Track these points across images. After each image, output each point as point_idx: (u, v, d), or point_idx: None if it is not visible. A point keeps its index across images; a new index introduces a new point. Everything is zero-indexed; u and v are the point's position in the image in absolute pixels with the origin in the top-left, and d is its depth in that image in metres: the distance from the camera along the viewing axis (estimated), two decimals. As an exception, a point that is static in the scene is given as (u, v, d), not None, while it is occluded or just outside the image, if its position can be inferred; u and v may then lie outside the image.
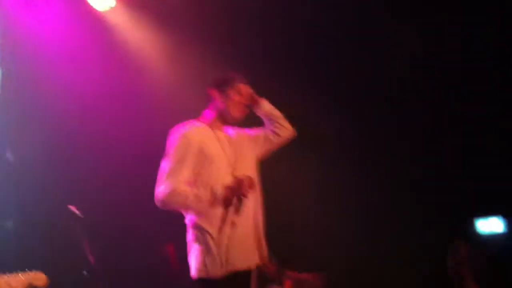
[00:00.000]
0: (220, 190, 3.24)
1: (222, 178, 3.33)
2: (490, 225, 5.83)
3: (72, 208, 4.14)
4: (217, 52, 5.55)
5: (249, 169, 3.49)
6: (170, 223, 3.83)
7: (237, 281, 3.24)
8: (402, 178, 5.89)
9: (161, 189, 3.24)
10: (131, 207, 5.59)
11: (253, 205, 3.40)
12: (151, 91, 5.97)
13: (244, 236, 3.33)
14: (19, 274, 3.21)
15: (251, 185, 3.29)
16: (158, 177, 3.32)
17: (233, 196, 3.25)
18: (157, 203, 3.28)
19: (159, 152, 5.03)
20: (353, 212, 5.95)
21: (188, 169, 3.29)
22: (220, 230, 3.25)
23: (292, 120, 3.67)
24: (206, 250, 3.26)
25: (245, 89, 3.56)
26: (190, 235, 3.38)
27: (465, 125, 5.83)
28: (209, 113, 3.58)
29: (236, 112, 3.52)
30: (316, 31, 5.92)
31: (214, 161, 3.35)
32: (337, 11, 5.78)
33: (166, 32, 5.88)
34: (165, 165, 3.32)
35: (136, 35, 5.95)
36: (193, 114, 3.66)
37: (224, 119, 3.55)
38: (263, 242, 3.44)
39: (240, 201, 3.25)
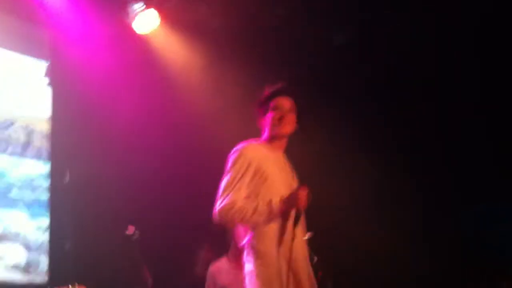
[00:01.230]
0: (277, 203, 3.21)
1: (277, 197, 3.29)
2: None
3: (131, 230, 4.19)
4: (263, 72, 5.54)
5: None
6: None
7: None
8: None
9: (219, 204, 3.22)
10: (187, 227, 5.58)
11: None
12: (197, 112, 6.02)
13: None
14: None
15: (309, 198, 3.23)
16: (218, 193, 3.30)
17: (291, 209, 3.22)
18: (215, 218, 3.24)
19: (208, 172, 5.11)
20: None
21: (246, 185, 3.27)
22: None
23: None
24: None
25: (284, 101, 3.49)
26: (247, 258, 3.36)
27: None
28: (264, 132, 3.54)
29: (281, 128, 3.45)
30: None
31: (268, 179, 3.33)
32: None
33: (209, 53, 5.93)
34: (224, 181, 3.30)
35: (180, 57, 6.01)
36: (240, 135, 3.66)
37: (276, 137, 3.49)
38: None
39: (298, 216, 3.21)
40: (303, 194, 3.22)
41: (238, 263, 4.15)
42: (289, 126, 3.47)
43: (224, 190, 3.25)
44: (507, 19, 5.34)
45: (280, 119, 3.44)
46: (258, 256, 3.25)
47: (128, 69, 5.91)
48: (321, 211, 3.91)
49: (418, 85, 5.85)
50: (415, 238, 5.78)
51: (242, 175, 3.29)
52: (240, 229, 4.19)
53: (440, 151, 5.86)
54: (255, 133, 3.56)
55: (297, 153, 3.53)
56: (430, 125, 5.91)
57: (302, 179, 3.45)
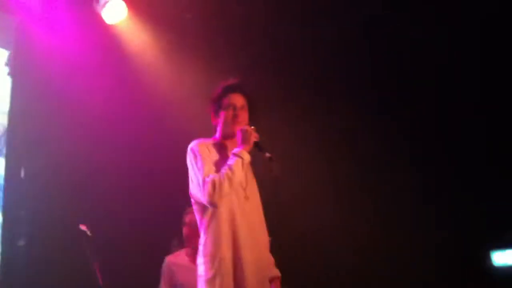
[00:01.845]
0: (239, 150, 3.23)
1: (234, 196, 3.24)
2: (506, 258, 5.63)
3: (83, 227, 4.08)
4: (227, 63, 5.47)
5: (256, 194, 3.41)
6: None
7: None
8: (419, 208, 5.70)
9: (205, 190, 3.13)
10: (143, 224, 5.45)
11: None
12: (160, 102, 5.91)
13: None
14: None
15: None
16: (196, 188, 3.22)
17: (250, 143, 3.26)
18: (211, 203, 3.15)
19: (168, 166, 4.99)
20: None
21: (212, 163, 3.24)
22: None
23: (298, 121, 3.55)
24: None
25: (237, 98, 3.39)
26: None
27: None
28: (216, 136, 3.46)
29: (234, 127, 3.35)
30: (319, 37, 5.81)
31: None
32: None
33: (175, 45, 5.84)
34: (194, 173, 3.23)
35: (147, 48, 5.92)
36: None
37: (229, 136, 3.38)
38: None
39: (258, 144, 3.31)
40: (249, 129, 3.28)
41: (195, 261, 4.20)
42: (242, 124, 3.37)
43: (200, 179, 3.18)
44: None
45: (233, 117, 3.35)
46: (209, 260, 3.17)
47: (94, 61, 5.75)
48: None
49: (416, 85, 5.78)
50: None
51: (204, 159, 3.23)
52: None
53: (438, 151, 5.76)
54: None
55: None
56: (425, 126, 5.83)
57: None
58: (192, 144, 3.32)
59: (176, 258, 4.49)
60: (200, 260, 3.22)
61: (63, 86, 5.75)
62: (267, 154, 3.30)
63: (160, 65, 5.92)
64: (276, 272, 3.41)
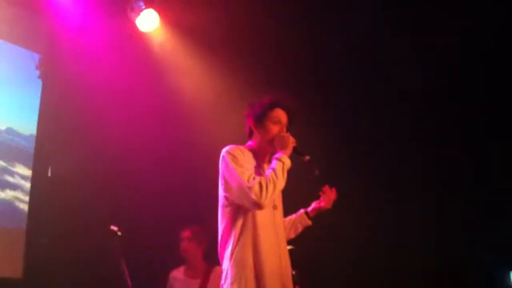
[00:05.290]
0: (279, 155, 3.29)
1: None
2: None
3: (114, 227, 4.16)
4: (259, 82, 5.55)
5: (281, 204, 3.48)
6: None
7: None
8: (435, 225, 5.75)
9: (252, 191, 3.12)
10: (169, 223, 5.51)
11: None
12: (187, 108, 6.02)
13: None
14: None
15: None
16: (237, 191, 3.20)
17: (289, 149, 3.32)
18: (258, 204, 3.14)
19: (201, 172, 5.08)
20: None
21: (251, 169, 3.26)
22: None
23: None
24: None
25: (283, 115, 3.46)
26: None
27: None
28: (252, 144, 3.50)
29: (278, 144, 3.38)
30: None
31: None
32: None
33: (207, 54, 5.92)
34: (233, 176, 3.22)
35: (178, 56, 6.00)
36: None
37: (268, 148, 3.44)
38: None
39: (297, 149, 3.39)
40: (286, 134, 3.37)
41: (191, 274, 4.71)
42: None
43: (243, 183, 3.16)
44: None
45: (279, 132, 3.42)
46: (234, 265, 3.21)
47: (124, 67, 5.87)
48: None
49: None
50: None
51: (243, 161, 3.27)
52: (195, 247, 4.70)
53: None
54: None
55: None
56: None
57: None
58: (228, 148, 3.33)
59: (177, 272, 4.85)
60: (225, 263, 3.26)
61: (93, 91, 5.87)
62: (307, 157, 3.40)
63: (189, 72, 6.01)
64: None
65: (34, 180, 5.94)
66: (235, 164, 3.23)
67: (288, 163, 3.28)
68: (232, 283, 3.17)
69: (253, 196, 3.11)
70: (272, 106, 3.46)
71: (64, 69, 6.06)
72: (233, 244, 3.24)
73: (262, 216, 3.27)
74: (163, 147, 5.99)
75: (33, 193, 5.91)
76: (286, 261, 3.37)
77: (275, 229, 3.34)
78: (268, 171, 3.23)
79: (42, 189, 5.90)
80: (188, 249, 4.72)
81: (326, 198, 3.82)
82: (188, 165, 5.99)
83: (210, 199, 3.58)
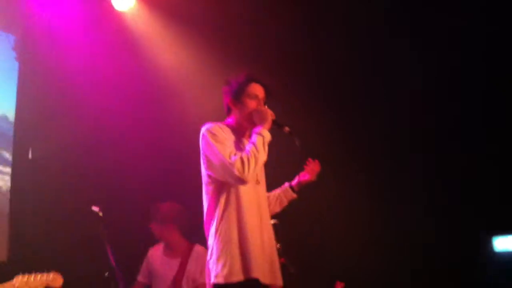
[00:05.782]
0: (259, 129, 3.30)
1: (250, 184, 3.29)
2: (508, 243, 5.68)
3: (95, 208, 4.17)
4: (235, 53, 5.54)
5: (264, 179, 3.50)
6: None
7: None
8: (419, 192, 5.80)
9: (234, 167, 3.13)
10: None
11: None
12: (167, 89, 6.00)
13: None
14: (38, 275, 3.25)
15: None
16: (218, 168, 3.22)
17: (268, 122, 3.34)
18: (241, 179, 3.16)
19: (183, 151, 5.08)
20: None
21: (231, 145, 3.28)
22: None
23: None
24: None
25: (259, 89, 3.47)
26: None
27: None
28: (231, 120, 3.51)
29: (256, 118, 3.39)
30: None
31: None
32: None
33: (184, 32, 5.88)
34: (213, 153, 3.23)
35: (153, 35, 5.96)
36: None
37: (247, 123, 3.45)
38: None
39: (277, 122, 3.40)
40: (264, 108, 3.39)
41: (170, 254, 4.59)
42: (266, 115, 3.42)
43: (223, 160, 3.18)
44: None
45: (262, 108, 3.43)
46: (219, 240, 3.24)
47: (102, 45, 5.83)
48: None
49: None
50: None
51: (223, 138, 3.28)
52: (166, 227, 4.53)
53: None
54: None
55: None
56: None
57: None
58: (207, 126, 3.34)
59: (155, 251, 4.72)
60: (210, 240, 3.29)
61: (71, 70, 5.82)
62: (287, 129, 3.42)
63: (166, 50, 5.97)
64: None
65: (14, 163, 5.92)
66: (215, 142, 3.24)
67: (268, 136, 3.29)
68: (218, 259, 3.21)
69: (236, 172, 3.13)
70: (248, 81, 3.47)
71: (41, 50, 6.00)
72: (217, 220, 3.27)
73: (245, 191, 3.29)
74: (143, 127, 6.00)
75: (14, 176, 5.90)
76: (270, 235, 3.40)
77: (258, 204, 3.37)
78: (248, 146, 3.24)
79: (23, 172, 5.88)
80: (156, 231, 4.61)
81: (310, 171, 3.84)
82: (169, 144, 5.99)
83: (192, 177, 3.59)
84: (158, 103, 6.05)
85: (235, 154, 3.18)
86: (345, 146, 5.86)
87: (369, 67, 5.91)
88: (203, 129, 3.33)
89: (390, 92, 5.83)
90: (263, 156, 3.24)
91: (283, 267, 3.54)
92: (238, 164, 3.13)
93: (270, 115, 3.37)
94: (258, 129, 3.30)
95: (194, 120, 5.06)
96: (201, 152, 3.33)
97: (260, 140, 3.24)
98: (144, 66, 6.00)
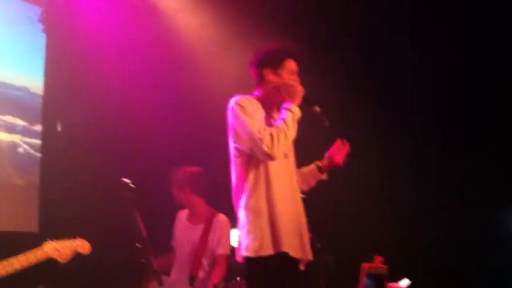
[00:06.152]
0: (289, 106, 3.22)
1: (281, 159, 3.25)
2: None
3: (126, 180, 4.19)
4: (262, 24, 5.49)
5: (292, 153, 3.45)
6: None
7: None
8: (439, 167, 5.75)
9: (264, 142, 3.09)
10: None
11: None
12: (192, 57, 6.00)
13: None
14: (66, 241, 3.32)
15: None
16: (248, 142, 3.17)
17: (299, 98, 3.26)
18: (269, 155, 3.12)
19: (208, 119, 5.04)
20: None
21: (261, 119, 3.21)
22: None
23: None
24: None
25: (294, 66, 3.39)
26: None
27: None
28: (260, 93, 3.42)
29: (286, 93, 3.29)
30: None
31: None
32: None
33: (221, 18, 5.87)
34: (243, 127, 3.17)
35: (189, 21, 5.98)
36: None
37: (277, 100, 3.37)
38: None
39: (306, 99, 3.31)
40: (295, 84, 3.29)
41: (192, 219, 4.57)
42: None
43: (253, 134, 3.13)
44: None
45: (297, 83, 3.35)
46: (249, 212, 3.21)
47: (132, 18, 5.82)
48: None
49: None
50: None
51: (253, 112, 3.21)
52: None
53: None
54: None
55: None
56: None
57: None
58: (236, 99, 3.27)
59: (182, 214, 4.70)
60: (241, 213, 3.27)
61: (99, 43, 5.83)
62: (317, 108, 3.35)
63: (190, 19, 5.98)
64: None
65: (44, 135, 5.99)
66: (244, 115, 3.18)
67: (298, 113, 3.23)
68: (248, 232, 3.19)
69: (265, 148, 3.09)
70: (285, 54, 3.39)
71: (67, 21, 6.00)
72: (247, 193, 3.24)
73: (274, 165, 3.25)
74: (170, 95, 6.01)
75: (44, 148, 5.97)
76: (300, 209, 3.38)
77: (288, 177, 3.34)
78: (278, 122, 3.19)
79: (52, 144, 5.95)
80: (176, 195, 4.57)
81: (338, 152, 3.64)
82: (193, 112, 6.00)
83: (220, 146, 3.56)
84: (183, 71, 6.04)
85: (264, 129, 3.14)
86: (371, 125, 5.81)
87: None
88: (231, 102, 3.28)
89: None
90: (292, 133, 3.19)
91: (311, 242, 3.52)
92: (267, 139, 3.09)
93: (300, 91, 3.29)
94: (288, 104, 3.23)
95: (220, 87, 5.10)
96: (230, 124, 3.29)
97: (290, 116, 3.18)
98: (168, 34, 5.99)
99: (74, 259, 3.45)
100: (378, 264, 3.61)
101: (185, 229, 4.61)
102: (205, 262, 4.47)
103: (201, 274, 4.44)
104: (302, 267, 3.32)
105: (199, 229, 4.54)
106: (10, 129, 5.79)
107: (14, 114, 5.83)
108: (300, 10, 5.88)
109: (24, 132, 5.89)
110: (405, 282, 3.65)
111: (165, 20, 6.05)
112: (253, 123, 3.16)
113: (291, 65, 3.39)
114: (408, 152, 5.85)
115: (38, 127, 6.00)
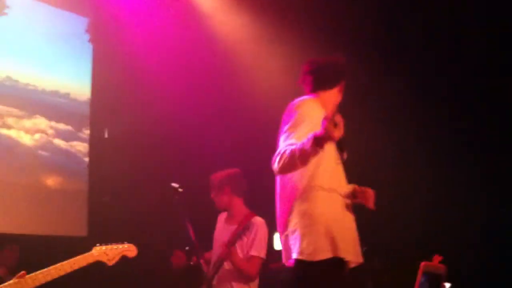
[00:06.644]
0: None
1: (332, 160, 3.23)
2: None
3: (175, 185, 4.25)
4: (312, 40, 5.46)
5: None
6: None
7: None
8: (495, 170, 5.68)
9: (274, 157, 3.08)
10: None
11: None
12: (241, 64, 6.01)
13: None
14: (114, 245, 3.38)
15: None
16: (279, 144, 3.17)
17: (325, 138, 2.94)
18: (275, 171, 3.11)
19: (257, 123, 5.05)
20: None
21: (301, 131, 3.12)
22: None
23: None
24: None
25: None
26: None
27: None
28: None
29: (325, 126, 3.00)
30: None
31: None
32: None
33: (257, 17, 5.89)
34: (285, 136, 3.15)
35: (220, 10, 5.99)
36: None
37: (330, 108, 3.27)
38: None
39: (340, 141, 3.11)
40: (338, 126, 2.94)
41: (229, 220, 4.39)
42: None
43: (289, 132, 3.13)
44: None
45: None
46: (305, 217, 3.17)
47: (170, 27, 5.93)
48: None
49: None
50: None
51: (305, 119, 3.17)
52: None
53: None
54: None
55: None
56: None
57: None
58: (298, 103, 3.25)
59: (221, 216, 4.60)
60: (293, 216, 3.21)
61: (144, 50, 5.94)
62: (345, 155, 3.29)
63: (233, 25, 5.99)
64: None
65: (92, 142, 6.15)
66: (290, 125, 3.18)
67: (320, 148, 2.99)
68: (302, 235, 3.15)
69: (273, 159, 3.09)
70: (342, 75, 3.40)
71: (112, 31, 6.15)
72: (301, 198, 3.21)
73: (328, 169, 3.24)
74: (215, 101, 6.05)
75: (91, 154, 6.12)
76: (351, 212, 3.33)
77: (341, 183, 3.32)
78: (298, 144, 3.03)
79: (100, 150, 6.09)
80: (215, 198, 4.42)
81: (365, 198, 3.42)
82: (239, 114, 6.02)
83: (270, 148, 3.57)
84: (227, 72, 6.05)
85: (289, 144, 3.08)
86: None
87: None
88: (293, 104, 3.26)
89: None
90: (302, 162, 3.03)
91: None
92: (276, 157, 3.06)
93: (339, 133, 2.97)
94: (319, 135, 2.94)
95: (265, 86, 5.09)
96: (283, 121, 3.26)
97: (309, 145, 2.97)
98: (212, 40, 6.01)
99: (123, 262, 3.52)
100: (436, 263, 3.58)
101: (221, 230, 4.56)
102: (227, 265, 4.44)
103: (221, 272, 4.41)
104: (350, 270, 3.33)
105: (233, 228, 4.56)
106: (60, 135, 5.97)
107: (62, 121, 6.02)
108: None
109: (73, 138, 6.07)
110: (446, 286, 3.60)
111: (206, 22, 6.05)
112: (288, 135, 3.14)
113: (342, 86, 3.41)
114: (459, 154, 5.78)
115: (86, 134, 6.17)
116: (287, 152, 3.02)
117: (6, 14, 5.73)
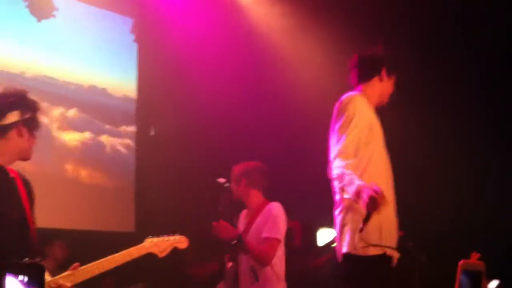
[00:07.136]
0: (364, 196, 2.98)
1: (382, 155, 3.28)
2: None
3: (221, 180, 4.26)
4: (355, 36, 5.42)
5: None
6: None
7: None
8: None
9: (334, 168, 3.11)
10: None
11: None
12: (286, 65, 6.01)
13: None
14: (165, 237, 3.42)
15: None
16: (335, 150, 3.18)
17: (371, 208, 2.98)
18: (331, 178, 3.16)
19: (294, 130, 5.03)
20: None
21: (359, 129, 3.19)
22: None
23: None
24: None
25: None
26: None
27: None
28: (369, 89, 3.40)
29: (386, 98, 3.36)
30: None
31: (377, 136, 3.28)
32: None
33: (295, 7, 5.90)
34: (341, 138, 3.17)
35: (269, 18, 6.04)
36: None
37: (379, 101, 3.40)
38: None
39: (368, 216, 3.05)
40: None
41: (249, 213, 4.32)
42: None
43: (337, 149, 3.15)
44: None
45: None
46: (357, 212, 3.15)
47: (218, 28, 5.97)
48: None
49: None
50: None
51: (354, 117, 3.20)
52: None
53: None
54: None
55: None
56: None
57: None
58: (348, 99, 3.24)
59: (242, 214, 4.52)
60: (345, 211, 3.24)
61: (188, 49, 6.03)
62: (361, 226, 3.14)
63: (287, 38, 6.00)
64: None
65: (138, 139, 6.28)
66: (347, 127, 3.19)
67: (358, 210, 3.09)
68: (354, 230, 3.18)
69: (333, 171, 3.11)
70: (381, 64, 3.39)
71: (157, 31, 6.25)
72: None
73: (378, 166, 3.27)
74: (259, 96, 6.08)
75: (138, 151, 6.25)
76: (395, 209, 3.35)
77: (389, 178, 3.34)
78: (355, 185, 3.03)
79: (146, 148, 6.20)
80: (234, 190, 4.33)
81: None
82: (287, 118, 6.02)
83: (312, 145, 3.57)
84: (269, 69, 6.06)
85: (350, 158, 3.12)
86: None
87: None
88: (343, 100, 3.27)
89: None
90: (346, 192, 3.07)
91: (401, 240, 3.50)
92: (337, 171, 3.07)
93: (378, 210, 3.01)
94: (364, 197, 2.96)
95: (308, 78, 5.07)
96: (333, 121, 3.28)
97: (351, 193, 3.02)
98: (251, 33, 6.04)
99: (170, 257, 3.55)
100: (474, 260, 3.54)
101: (241, 224, 4.59)
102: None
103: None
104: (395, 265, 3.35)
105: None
106: (107, 133, 6.11)
107: (109, 119, 6.16)
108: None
109: (119, 136, 6.20)
110: (494, 283, 3.55)
111: (245, 15, 6.09)
112: (351, 142, 3.17)
113: (393, 81, 3.43)
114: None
115: (132, 132, 6.29)
116: (345, 181, 3.04)
117: (54, 16, 5.89)
